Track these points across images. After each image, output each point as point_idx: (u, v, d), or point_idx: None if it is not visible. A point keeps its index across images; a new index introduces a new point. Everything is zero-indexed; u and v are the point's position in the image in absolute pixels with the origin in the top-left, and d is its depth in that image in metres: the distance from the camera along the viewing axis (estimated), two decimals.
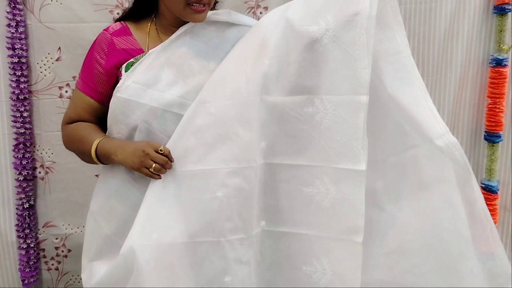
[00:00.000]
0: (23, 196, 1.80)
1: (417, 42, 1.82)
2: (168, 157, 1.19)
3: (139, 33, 1.32)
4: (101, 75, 1.29)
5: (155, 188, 1.19)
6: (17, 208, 1.81)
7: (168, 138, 1.26)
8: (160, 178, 1.21)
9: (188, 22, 1.32)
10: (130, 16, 1.36)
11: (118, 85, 1.27)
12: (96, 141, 1.26)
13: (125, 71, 1.26)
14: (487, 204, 1.81)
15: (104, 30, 1.33)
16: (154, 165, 1.17)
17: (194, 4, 1.24)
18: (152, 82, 1.25)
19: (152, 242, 1.15)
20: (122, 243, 1.20)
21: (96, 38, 1.34)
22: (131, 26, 1.33)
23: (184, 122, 1.24)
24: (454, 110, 1.90)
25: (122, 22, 1.35)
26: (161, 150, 1.19)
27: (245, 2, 1.75)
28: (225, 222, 1.19)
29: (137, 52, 1.29)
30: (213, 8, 1.40)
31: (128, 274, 1.16)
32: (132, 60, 1.28)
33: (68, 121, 1.35)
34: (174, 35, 1.30)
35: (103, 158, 1.24)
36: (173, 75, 1.28)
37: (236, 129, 1.20)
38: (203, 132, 1.22)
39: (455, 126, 1.93)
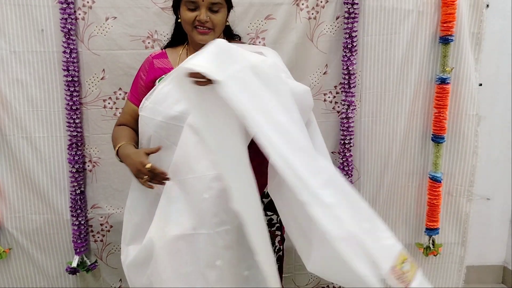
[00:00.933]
0: (75, 184, 1.93)
1: (380, 65, 1.93)
2: (153, 171, 1.24)
3: (173, 56, 1.48)
4: (142, 88, 1.47)
5: (166, 192, 1.30)
6: (71, 194, 1.94)
7: (174, 144, 1.31)
8: (151, 187, 1.26)
9: None
10: (169, 44, 1.53)
11: (140, 105, 1.40)
12: (118, 145, 1.40)
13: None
14: (434, 192, 2.02)
15: (149, 55, 1.50)
16: (144, 177, 1.26)
17: (199, 27, 1.37)
18: (162, 100, 1.34)
19: (164, 234, 1.26)
20: (147, 230, 1.30)
21: (144, 61, 1.51)
22: (168, 51, 1.49)
23: (180, 141, 1.28)
24: (409, 118, 2.01)
25: (163, 49, 1.52)
26: (147, 167, 1.25)
27: (247, 34, 1.88)
28: (213, 217, 1.26)
29: (169, 70, 1.44)
30: (230, 36, 1.50)
31: (149, 258, 1.29)
32: (163, 76, 1.43)
33: (118, 124, 1.53)
34: (187, 58, 1.30)
35: (122, 160, 1.38)
36: (177, 94, 1.31)
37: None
38: (191, 149, 1.28)
39: (410, 130, 2.03)
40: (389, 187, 2.09)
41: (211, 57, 1.11)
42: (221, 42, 1.14)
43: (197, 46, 1.40)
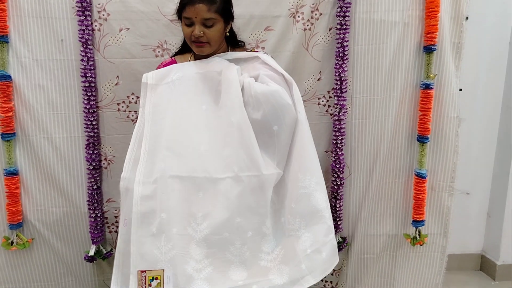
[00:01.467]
0: (92, 180, 1.95)
1: (369, 71, 1.95)
2: None
3: (182, 61, 1.53)
4: None
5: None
6: (88, 189, 1.96)
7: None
8: None
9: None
10: (179, 52, 1.58)
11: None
12: None
13: None
14: (419, 187, 2.06)
15: (161, 63, 1.55)
16: None
17: (194, 41, 1.42)
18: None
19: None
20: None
21: (156, 67, 1.56)
22: (177, 58, 1.55)
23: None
24: (396, 120, 2.04)
25: (172, 57, 1.57)
26: None
27: (248, 44, 1.88)
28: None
29: None
30: (235, 43, 1.55)
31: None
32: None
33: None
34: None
35: None
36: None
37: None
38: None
39: (397, 131, 2.05)
40: (378, 183, 2.11)
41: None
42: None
43: (199, 56, 1.48)
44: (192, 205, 1.34)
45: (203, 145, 1.36)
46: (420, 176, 2.07)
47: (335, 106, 2.00)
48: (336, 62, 1.95)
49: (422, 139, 2.05)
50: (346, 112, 2.00)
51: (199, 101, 1.40)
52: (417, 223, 2.11)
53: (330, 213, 1.43)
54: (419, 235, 2.13)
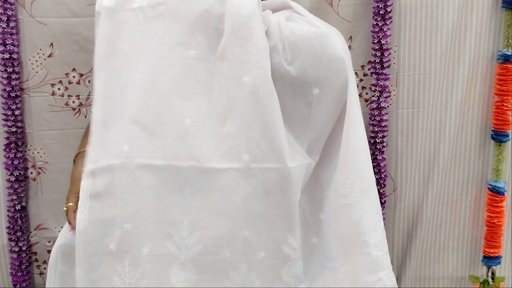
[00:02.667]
0: (14, 197, 1.79)
1: (423, 37, 1.82)
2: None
3: None
4: None
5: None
6: (8, 210, 1.80)
7: None
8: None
9: None
10: None
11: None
12: (79, 151, 1.44)
13: None
14: (494, 207, 1.91)
15: None
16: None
17: None
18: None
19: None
20: None
21: None
22: None
23: None
24: (462, 109, 1.90)
25: None
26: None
27: None
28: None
29: None
30: None
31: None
32: None
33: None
34: None
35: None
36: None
37: None
38: None
39: (463, 126, 1.93)
40: (435, 202, 1.99)
41: None
42: None
43: None
44: (174, 209, 1.29)
45: (190, 117, 1.28)
46: (496, 191, 1.96)
47: (373, 88, 1.87)
48: (375, 23, 1.81)
49: (499, 136, 1.94)
50: (389, 97, 1.86)
51: (185, 44, 1.30)
52: (490, 260, 2.02)
53: (381, 238, 1.35)
54: (493, 278, 2.03)
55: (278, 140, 1.29)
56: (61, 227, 1.76)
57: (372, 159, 1.78)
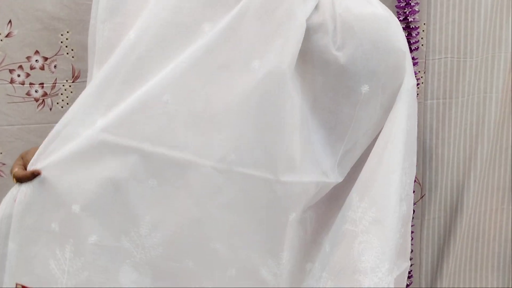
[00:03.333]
0: None
1: (457, 14, 1.75)
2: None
3: None
4: None
5: None
6: None
7: None
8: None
9: None
10: None
11: None
12: None
13: None
14: None
15: None
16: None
17: None
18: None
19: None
20: None
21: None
22: None
23: None
24: (505, 99, 1.84)
25: None
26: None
27: None
28: None
29: None
30: None
31: None
32: None
33: None
34: None
35: None
36: None
37: None
38: None
39: (506, 119, 1.87)
40: (471, 211, 1.93)
41: None
42: None
43: None
44: (135, 201, 1.26)
45: (171, 94, 1.24)
46: None
47: None
48: None
49: None
50: (417, 85, 1.76)
51: (199, 14, 1.27)
52: None
53: (379, 281, 1.31)
54: None
55: (281, 146, 1.26)
56: None
57: None
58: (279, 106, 1.27)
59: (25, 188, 1.25)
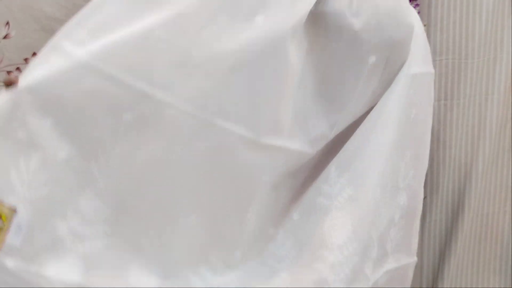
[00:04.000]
0: None
1: (458, 15, 1.76)
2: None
3: None
4: None
5: None
6: None
7: None
8: None
9: None
10: None
11: None
12: None
13: None
14: None
15: None
16: None
17: None
18: None
19: None
20: None
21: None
22: None
23: None
24: (506, 100, 1.84)
25: None
26: None
27: None
28: None
29: None
30: None
31: None
32: None
33: None
34: None
35: None
36: None
37: None
38: None
39: (508, 121, 1.88)
40: (473, 214, 1.93)
41: None
42: None
43: None
44: (100, 128, 1.20)
45: (162, 29, 1.20)
46: None
47: None
48: None
49: None
50: None
51: None
52: None
53: (344, 261, 1.28)
54: None
55: (270, 108, 1.22)
56: None
57: None
58: (275, 70, 1.22)
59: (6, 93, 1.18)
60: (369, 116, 1.31)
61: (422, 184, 1.44)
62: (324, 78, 1.28)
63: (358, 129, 1.31)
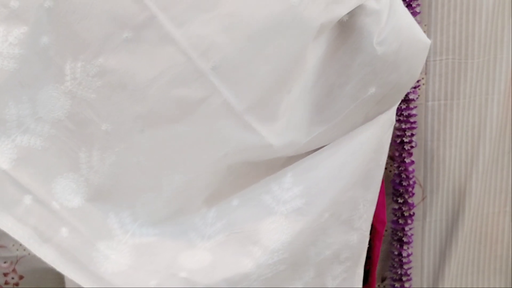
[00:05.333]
0: None
1: (459, 14, 1.75)
2: None
3: None
4: None
5: None
6: None
7: None
8: None
9: None
10: None
11: None
12: None
13: None
14: None
15: None
16: None
17: None
18: None
19: None
20: None
21: None
22: None
23: None
24: (507, 101, 1.84)
25: None
26: None
27: None
28: None
29: None
30: None
31: None
32: None
33: None
34: None
35: None
36: None
37: None
38: None
39: (508, 121, 1.87)
40: (473, 214, 1.92)
41: None
42: None
43: None
44: (101, 35, 1.17)
45: None
46: None
47: None
48: None
49: None
50: (417, 87, 1.83)
51: None
52: None
53: (278, 267, 1.26)
54: None
55: (269, 91, 1.19)
56: (20, 245, 1.74)
57: (397, 163, 1.84)
58: (289, 59, 1.21)
59: None
60: (341, 140, 1.31)
61: (369, 233, 1.43)
62: (322, 87, 1.28)
63: (326, 147, 1.30)
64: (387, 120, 1.35)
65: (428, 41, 1.33)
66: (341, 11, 1.21)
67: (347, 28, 1.25)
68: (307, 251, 1.29)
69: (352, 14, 1.23)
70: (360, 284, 1.40)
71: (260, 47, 1.19)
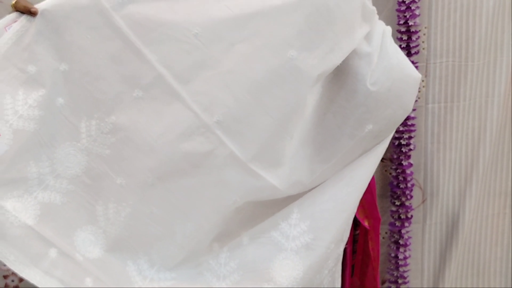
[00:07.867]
0: None
1: (459, 17, 1.77)
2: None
3: None
4: None
5: None
6: None
7: None
8: None
9: None
10: None
11: None
12: None
13: None
14: None
15: None
16: None
17: None
18: None
19: None
20: None
21: None
22: None
23: None
24: (506, 103, 1.86)
25: None
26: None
27: None
28: None
29: None
30: None
31: None
32: None
33: None
34: None
35: None
36: None
37: None
38: None
39: (507, 123, 1.89)
40: (473, 216, 1.97)
41: None
42: None
43: None
44: (114, 95, 1.25)
45: (200, 28, 1.23)
46: None
47: None
48: (401, 0, 1.77)
49: None
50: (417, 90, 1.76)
51: None
52: None
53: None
54: None
55: (269, 141, 1.25)
56: None
57: (395, 165, 1.84)
58: (290, 107, 1.27)
59: (25, 20, 1.20)
60: (343, 173, 1.36)
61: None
62: (321, 127, 1.32)
63: (329, 180, 1.36)
64: (383, 149, 1.41)
65: (418, 76, 1.39)
66: (338, 60, 1.28)
67: (341, 71, 1.31)
68: (314, 280, 1.34)
69: (345, 58, 1.29)
70: (339, 279, 1.46)
71: (260, 99, 1.25)
